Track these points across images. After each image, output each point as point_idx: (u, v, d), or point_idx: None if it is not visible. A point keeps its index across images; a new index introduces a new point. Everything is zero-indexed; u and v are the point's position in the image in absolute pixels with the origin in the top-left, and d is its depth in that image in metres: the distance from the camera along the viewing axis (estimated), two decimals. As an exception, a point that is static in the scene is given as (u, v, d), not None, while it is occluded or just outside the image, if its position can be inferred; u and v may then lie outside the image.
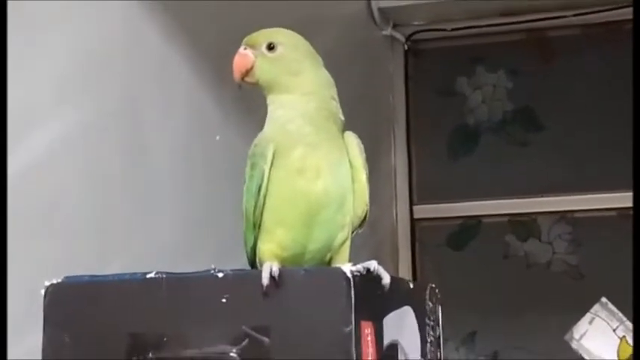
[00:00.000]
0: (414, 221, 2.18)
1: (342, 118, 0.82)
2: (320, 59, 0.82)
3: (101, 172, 0.99)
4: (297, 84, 0.79)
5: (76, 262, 0.89)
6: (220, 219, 1.17)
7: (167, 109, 1.14)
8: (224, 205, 1.11)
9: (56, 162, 0.91)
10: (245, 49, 0.81)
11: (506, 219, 2.15)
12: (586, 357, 1.92)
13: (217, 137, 1.26)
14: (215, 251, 1.14)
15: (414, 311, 0.80)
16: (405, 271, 2.13)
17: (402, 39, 2.20)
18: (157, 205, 1.10)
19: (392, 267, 2.09)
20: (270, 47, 0.80)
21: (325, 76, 0.82)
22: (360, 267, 0.70)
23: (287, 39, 0.81)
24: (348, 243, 0.81)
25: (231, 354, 0.69)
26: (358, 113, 1.65)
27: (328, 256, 0.80)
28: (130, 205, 1.04)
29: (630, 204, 2.00)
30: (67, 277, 0.74)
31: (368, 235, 1.85)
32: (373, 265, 0.72)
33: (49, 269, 0.77)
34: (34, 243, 0.84)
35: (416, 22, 2.19)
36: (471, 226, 2.17)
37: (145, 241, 1.05)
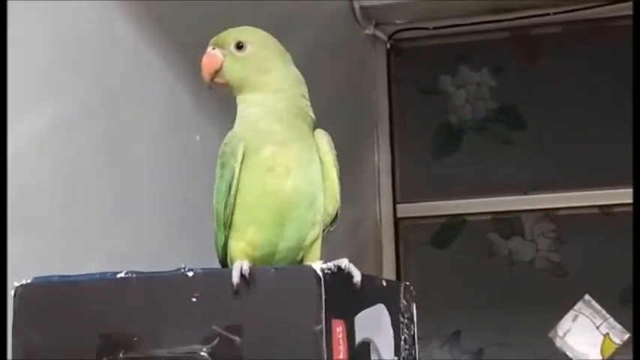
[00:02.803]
0: (397, 220, 2.18)
1: (313, 116, 0.81)
2: (289, 56, 0.82)
3: (75, 170, 0.99)
4: (266, 82, 0.79)
5: (49, 263, 0.88)
6: (197, 217, 1.16)
7: (143, 105, 1.14)
8: (201, 204, 1.11)
9: (28, 158, 0.91)
10: (213, 49, 0.80)
11: (489, 217, 2.15)
12: (569, 354, 1.93)
13: (197, 137, 1.26)
14: (193, 250, 1.14)
15: (388, 309, 0.80)
16: (389, 270, 2.13)
17: (385, 38, 2.20)
18: (132, 203, 1.09)
19: (376, 266, 2.09)
20: (239, 46, 0.79)
21: (295, 73, 0.81)
22: (331, 265, 0.69)
23: (255, 37, 0.80)
24: (319, 241, 0.80)
25: (202, 353, 0.69)
26: (341, 112, 1.65)
27: (300, 254, 0.80)
28: (105, 202, 1.04)
29: (612, 201, 2.02)
30: (36, 278, 0.74)
31: (351, 234, 1.85)
32: (344, 262, 0.71)
33: (19, 269, 0.77)
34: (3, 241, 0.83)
35: (398, 21, 2.19)
36: (455, 224, 2.17)
37: (120, 240, 1.05)
